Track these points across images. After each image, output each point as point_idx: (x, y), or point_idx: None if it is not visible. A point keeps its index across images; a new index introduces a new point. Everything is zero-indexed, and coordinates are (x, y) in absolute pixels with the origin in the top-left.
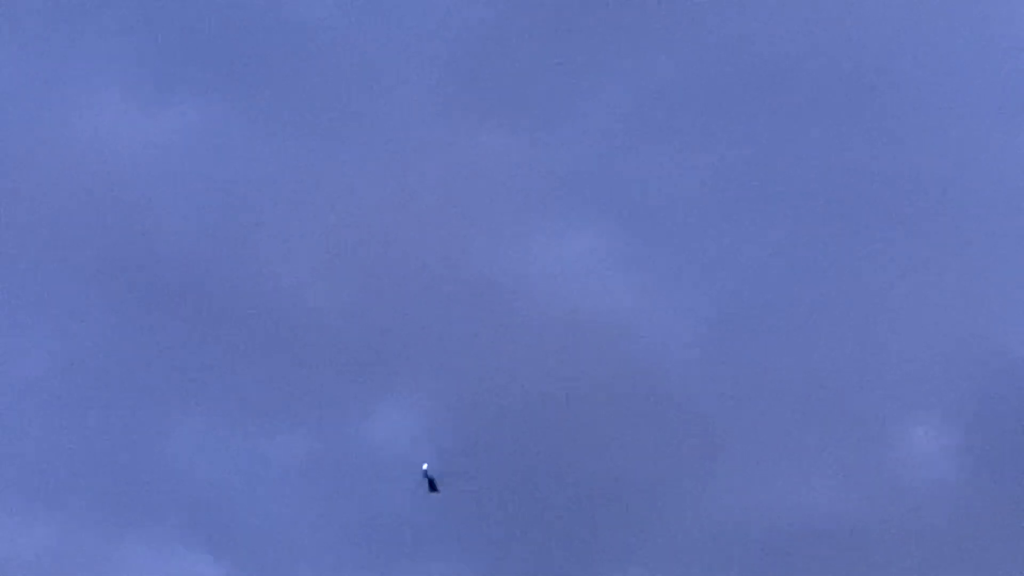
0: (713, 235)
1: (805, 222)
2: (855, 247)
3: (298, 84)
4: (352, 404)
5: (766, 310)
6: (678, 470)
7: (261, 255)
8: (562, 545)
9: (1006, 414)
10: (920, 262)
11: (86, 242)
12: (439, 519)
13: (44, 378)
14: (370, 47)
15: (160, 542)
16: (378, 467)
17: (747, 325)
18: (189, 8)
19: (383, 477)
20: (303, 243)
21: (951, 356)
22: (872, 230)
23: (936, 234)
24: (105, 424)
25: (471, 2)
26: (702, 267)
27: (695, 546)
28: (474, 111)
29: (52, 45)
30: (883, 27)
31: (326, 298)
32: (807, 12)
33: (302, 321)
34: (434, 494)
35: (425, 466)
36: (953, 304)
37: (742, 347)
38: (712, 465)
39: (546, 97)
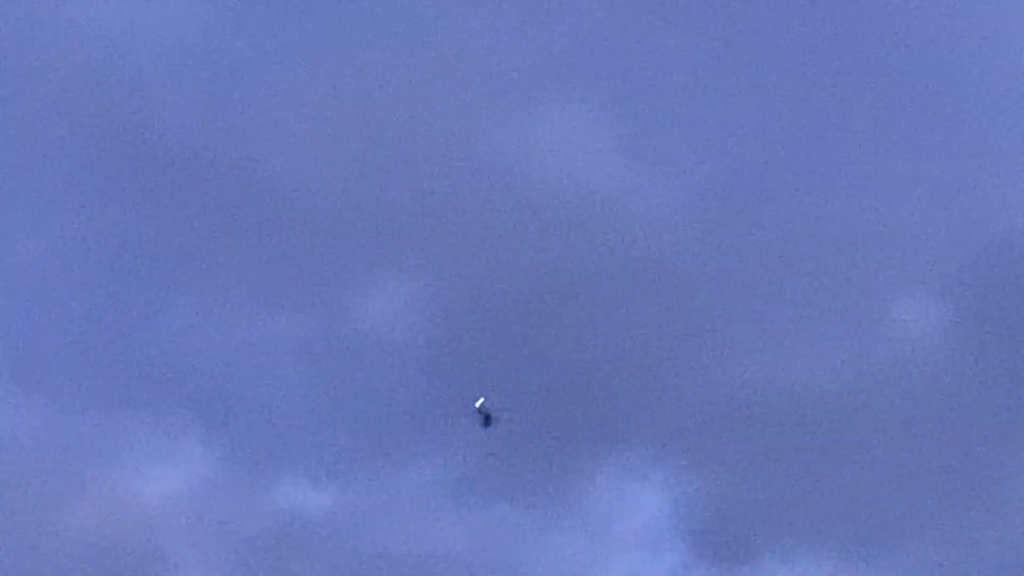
0: (707, 112)
1: (801, 99)
2: (852, 123)
3: None
4: (348, 284)
5: (760, 187)
6: (673, 344)
7: (259, 137)
8: (557, 422)
9: (997, 288)
10: (916, 140)
11: (84, 124)
12: (436, 397)
13: (42, 260)
14: None
15: (155, 422)
16: (374, 346)
17: (742, 201)
18: None
19: (380, 356)
20: (300, 124)
21: (944, 231)
22: (869, 106)
23: (933, 110)
24: (102, 306)
25: None
26: (697, 144)
27: (691, 419)
28: None
29: None
30: None
31: (324, 179)
32: None
33: (300, 202)
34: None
35: (479, 401)
36: (948, 180)
37: (737, 223)
38: (707, 339)
39: None
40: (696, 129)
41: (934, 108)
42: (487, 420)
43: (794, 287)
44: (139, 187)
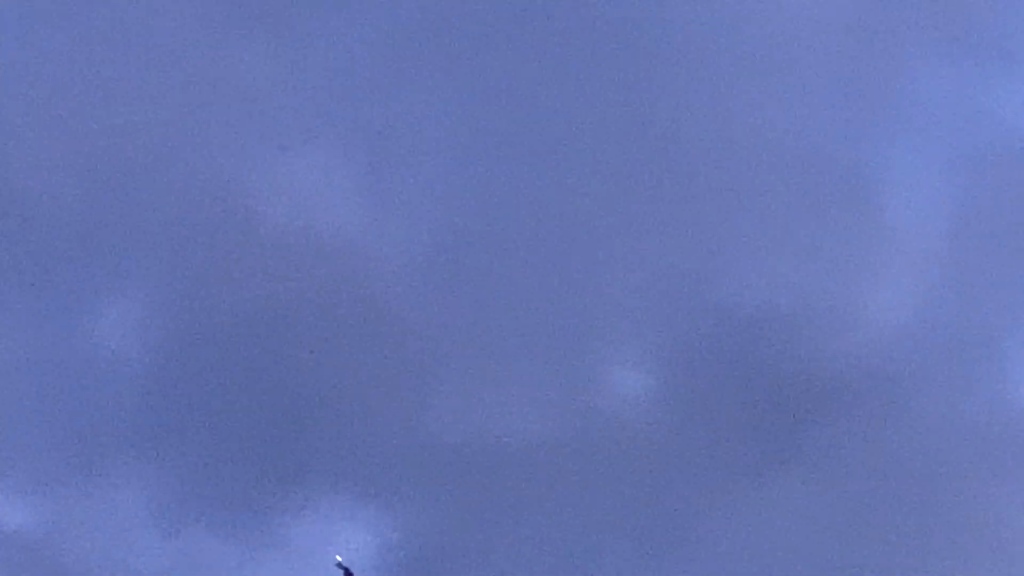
0: (443, 164)
1: (534, 156)
2: (577, 185)
3: None
4: (71, 298)
5: (486, 239)
6: (392, 389)
7: None
8: (273, 456)
9: (705, 357)
10: (638, 202)
11: None
12: (154, 419)
13: None
14: None
15: None
16: (89, 363)
17: (467, 253)
18: None
19: (93, 374)
20: (30, 130)
21: (657, 296)
22: (595, 168)
23: (656, 174)
24: None
25: None
26: (429, 195)
27: (406, 463)
28: (220, 22)
29: None
30: None
31: (49, 185)
32: None
33: (22, 209)
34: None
35: (339, 558)
36: (664, 245)
37: (461, 274)
38: (424, 386)
39: (294, 15)
40: (433, 181)
41: (668, 176)
42: (348, 573)
43: (512, 343)
44: None
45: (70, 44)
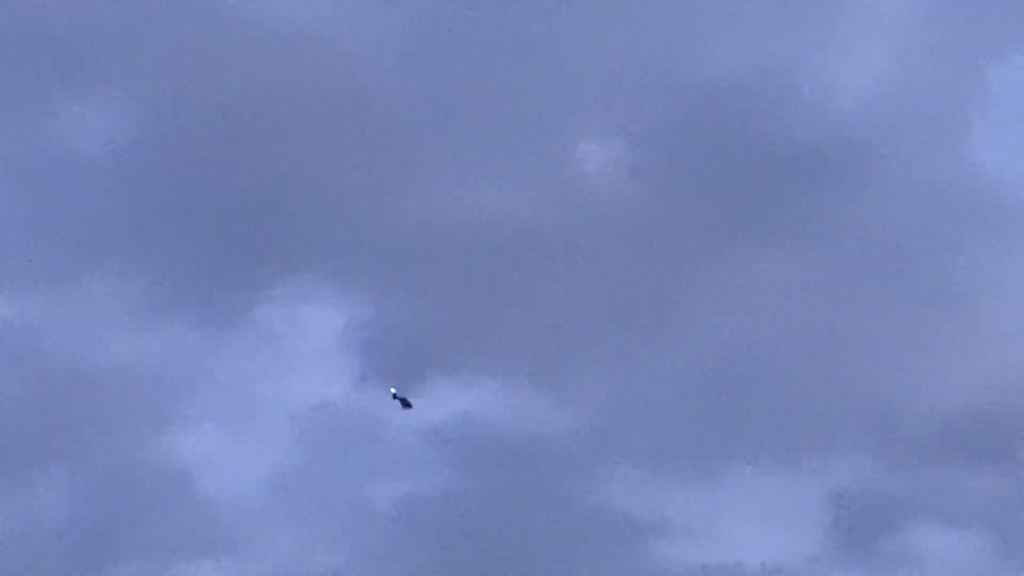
0: None
1: None
2: None
3: None
4: (43, 101)
5: (460, 25)
6: (359, 171)
7: None
8: (241, 244)
9: (681, 131)
10: None
11: None
12: (127, 215)
13: None
14: None
15: None
16: (62, 160)
17: (443, 40)
18: None
19: (67, 170)
20: None
21: (630, 76)
22: None
23: None
24: None
25: None
26: None
27: (373, 243)
28: None
29: None
30: None
31: None
32: None
33: None
34: (407, 408)
35: (393, 390)
36: (637, 24)
37: (438, 60)
38: (405, 171)
39: None
40: None
41: None
42: (405, 403)
43: (488, 126)
44: None
45: None
